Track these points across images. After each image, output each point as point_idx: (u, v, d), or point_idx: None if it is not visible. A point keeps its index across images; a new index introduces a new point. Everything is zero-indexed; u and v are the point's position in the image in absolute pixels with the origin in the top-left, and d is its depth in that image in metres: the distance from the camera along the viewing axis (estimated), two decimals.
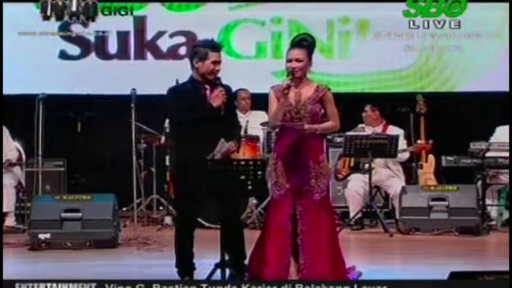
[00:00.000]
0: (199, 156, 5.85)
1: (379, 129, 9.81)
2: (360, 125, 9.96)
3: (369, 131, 9.74)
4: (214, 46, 6.12)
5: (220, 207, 6.09)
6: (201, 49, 6.11)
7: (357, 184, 9.55)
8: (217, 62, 6.07)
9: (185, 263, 6.11)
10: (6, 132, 9.50)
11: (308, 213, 5.93)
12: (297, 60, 5.94)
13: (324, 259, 5.88)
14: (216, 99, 6.01)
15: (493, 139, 9.46)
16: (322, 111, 6.00)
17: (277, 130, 6.27)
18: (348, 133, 9.60)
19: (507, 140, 9.13)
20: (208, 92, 6.08)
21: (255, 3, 11.08)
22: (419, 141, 9.70)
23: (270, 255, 5.90)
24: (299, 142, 5.93)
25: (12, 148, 9.54)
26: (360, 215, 9.44)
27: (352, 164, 9.71)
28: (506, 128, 9.35)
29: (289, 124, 5.92)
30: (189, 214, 6.14)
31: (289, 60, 5.96)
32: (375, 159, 9.37)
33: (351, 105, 9.86)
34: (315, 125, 5.94)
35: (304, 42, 6.01)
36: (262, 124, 9.04)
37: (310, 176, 5.95)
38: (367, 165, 9.34)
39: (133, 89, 8.82)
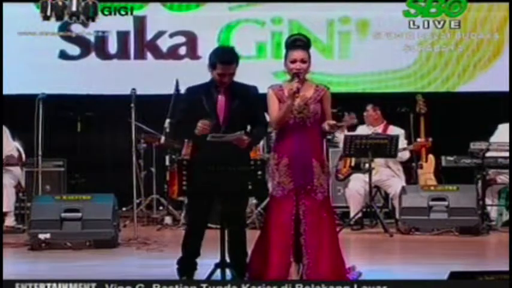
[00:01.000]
0: (202, 157, 5.88)
1: (379, 129, 9.80)
2: (360, 126, 9.95)
3: (369, 131, 9.73)
4: (223, 59, 5.99)
5: (222, 207, 6.08)
6: (212, 57, 6.05)
7: (357, 184, 9.54)
8: (225, 75, 5.96)
9: (189, 261, 6.11)
10: (6, 132, 9.49)
11: (311, 213, 5.92)
12: (302, 61, 5.92)
13: (327, 259, 5.88)
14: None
15: (494, 137, 9.45)
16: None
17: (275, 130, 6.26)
18: (348, 133, 9.60)
19: (507, 138, 9.12)
20: (220, 95, 6.01)
21: (255, 3, 11.08)
22: (418, 139, 9.69)
23: (272, 255, 5.88)
24: (302, 142, 5.93)
25: (12, 148, 9.53)
26: (360, 215, 9.44)
27: (352, 163, 9.71)
28: (508, 125, 9.34)
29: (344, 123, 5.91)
30: (200, 214, 6.13)
31: (292, 61, 5.93)
32: (375, 159, 9.37)
33: (351, 106, 9.88)
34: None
35: (302, 43, 5.98)
36: None
37: (313, 175, 5.94)
38: (367, 165, 9.33)
39: (133, 89, 8.82)
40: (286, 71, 6.01)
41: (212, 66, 6.00)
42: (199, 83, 6.20)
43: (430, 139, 9.65)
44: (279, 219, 5.94)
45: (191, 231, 6.18)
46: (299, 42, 6.00)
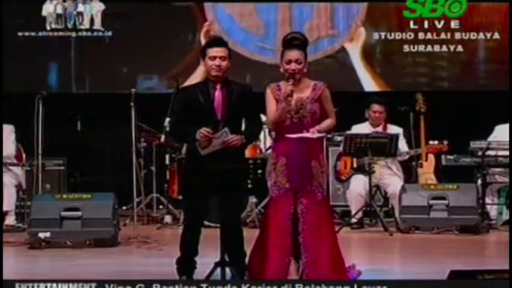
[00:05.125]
0: (199, 157, 5.87)
1: (379, 128, 9.77)
2: (357, 125, 9.88)
3: (368, 130, 9.66)
4: (212, 42, 6.03)
5: (220, 205, 6.08)
6: (203, 49, 6.08)
7: (359, 186, 9.44)
8: (216, 57, 5.91)
9: (188, 260, 6.10)
10: (12, 132, 9.47)
11: (309, 212, 5.91)
12: (297, 62, 5.89)
13: (326, 257, 5.88)
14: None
15: (491, 138, 9.44)
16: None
17: None
18: (348, 132, 9.58)
19: (506, 138, 9.12)
20: (217, 92, 6.00)
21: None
22: (431, 142, 9.58)
23: (271, 254, 5.89)
24: (299, 142, 5.90)
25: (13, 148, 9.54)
26: (360, 214, 9.43)
27: (355, 165, 9.67)
28: (505, 126, 9.34)
29: (299, 135, 5.86)
30: (197, 213, 6.13)
31: (288, 62, 5.89)
32: (376, 160, 9.34)
33: (351, 105, 9.87)
34: (318, 127, 5.91)
35: (298, 42, 5.94)
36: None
37: (311, 175, 5.93)
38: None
39: (133, 88, 8.83)
40: (282, 71, 5.97)
41: (203, 56, 5.99)
42: (193, 83, 6.22)
43: (446, 142, 9.52)
44: (277, 218, 5.94)
45: (188, 230, 6.18)
46: (295, 42, 5.95)
